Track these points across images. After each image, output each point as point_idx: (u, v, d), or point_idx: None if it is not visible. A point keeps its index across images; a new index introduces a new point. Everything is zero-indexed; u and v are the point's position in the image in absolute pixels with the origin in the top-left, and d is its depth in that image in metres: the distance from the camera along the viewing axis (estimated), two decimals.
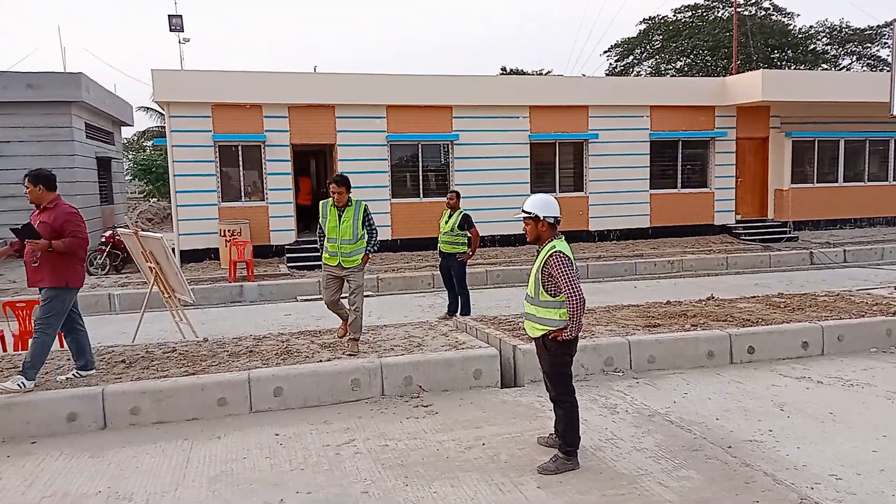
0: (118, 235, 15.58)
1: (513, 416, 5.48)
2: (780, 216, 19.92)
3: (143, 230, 8.90)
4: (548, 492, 4.17)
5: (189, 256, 15.69)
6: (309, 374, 5.93)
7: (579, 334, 4.49)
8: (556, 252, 4.37)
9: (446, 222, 9.57)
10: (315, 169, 22.06)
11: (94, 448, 5.05)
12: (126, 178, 28.88)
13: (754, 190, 20.04)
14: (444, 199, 10.03)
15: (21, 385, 5.45)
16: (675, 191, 19.22)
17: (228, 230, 15.24)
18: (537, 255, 4.55)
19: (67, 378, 5.85)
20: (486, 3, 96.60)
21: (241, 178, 16.32)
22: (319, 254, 6.89)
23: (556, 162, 18.22)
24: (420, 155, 17.36)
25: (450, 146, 17.45)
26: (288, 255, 15.64)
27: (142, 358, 6.53)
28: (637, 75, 37.06)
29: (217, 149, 15.93)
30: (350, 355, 6.37)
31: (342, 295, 6.85)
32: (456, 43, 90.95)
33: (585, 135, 18.18)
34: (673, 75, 35.69)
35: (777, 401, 5.72)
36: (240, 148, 16.14)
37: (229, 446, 5.03)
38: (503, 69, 42.92)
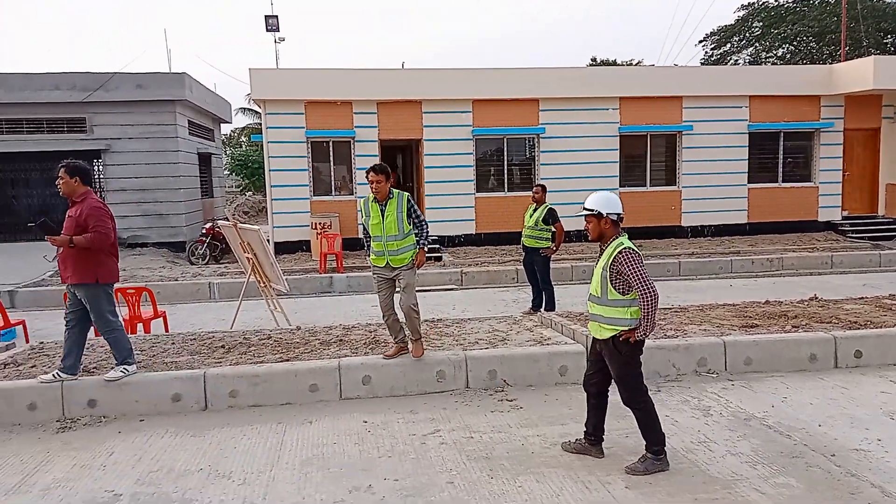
0: (218, 227, 16.40)
1: None
2: (892, 212, 18.53)
3: (240, 223, 9.33)
4: (636, 492, 4.07)
5: (282, 248, 16.31)
6: (396, 364, 6.04)
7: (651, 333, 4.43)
8: (625, 248, 4.25)
9: (531, 216, 9.49)
10: (402, 164, 22.41)
11: (195, 427, 5.35)
12: (224, 172, 30.32)
13: (863, 184, 18.74)
14: (529, 193, 9.95)
15: (125, 371, 5.71)
16: (775, 185, 18.25)
17: (319, 223, 15.75)
18: (601, 254, 4.44)
19: (53, 376, 5.64)
20: None
21: (332, 173, 16.80)
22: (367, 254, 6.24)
23: (648, 155, 17.68)
24: (505, 149, 17.29)
25: (536, 140, 17.28)
26: None
27: (239, 344, 6.86)
28: (734, 64, 35.39)
29: (309, 144, 16.47)
30: (416, 359, 6.04)
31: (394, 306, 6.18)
32: (541, 33, 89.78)
33: (679, 126, 17.54)
34: (774, 63, 33.85)
35: (887, 409, 5.35)
36: (331, 143, 16.62)
37: (320, 431, 5.21)
38: (592, 60, 42.05)
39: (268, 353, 6.47)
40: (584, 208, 4.40)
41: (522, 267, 10.05)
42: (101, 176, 18.42)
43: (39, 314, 10.67)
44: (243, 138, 41.32)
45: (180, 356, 6.43)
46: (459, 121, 16.88)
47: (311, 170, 16.57)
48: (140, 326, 8.41)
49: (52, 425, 5.45)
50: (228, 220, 10.27)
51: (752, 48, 35.92)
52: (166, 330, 8.61)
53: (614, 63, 40.05)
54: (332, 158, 16.72)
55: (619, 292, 4.27)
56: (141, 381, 5.74)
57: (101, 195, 18.38)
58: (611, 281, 4.28)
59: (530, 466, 4.47)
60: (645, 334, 4.23)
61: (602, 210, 4.33)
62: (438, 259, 15.41)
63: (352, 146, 16.63)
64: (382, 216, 5.92)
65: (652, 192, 17.49)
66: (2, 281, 12.69)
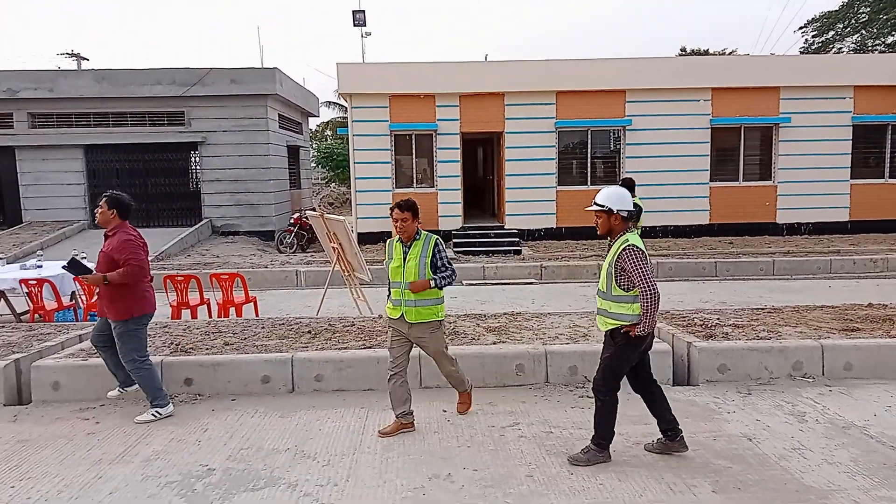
0: (305, 217, 16.93)
1: (685, 415, 5.21)
2: None
3: (327, 213, 9.61)
4: (724, 497, 3.93)
5: (365, 238, 16.67)
6: (474, 355, 6.06)
7: (653, 331, 4.33)
8: (629, 245, 4.23)
9: None
10: (483, 157, 22.40)
11: (283, 409, 5.56)
12: (311, 165, 31.24)
13: None
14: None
15: (156, 414, 5.42)
16: (881, 181, 17.10)
17: None
18: (608, 249, 4.41)
19: (118, 391, 5.73)
20: None
21: (413, 166, 17.01)
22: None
23: (741, 148, 16.93)
24: (589, 141, 16.98)
25: (621, 132, 16.88)
26: (454, 241, 16.07)
27: (325, 330, 7.06)
28: (838, 52, 33.28)
29: (392, 137, 16.73)
30: (461, 412, 5.38)
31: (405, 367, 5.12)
32: (629, 22, 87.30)
33: (776, 118, 16.70)
34: (882, 51, 31.60)
35: None
36: (413, 136, 16.81)
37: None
38: (682, 50, 40.57)
39: (351, 339, 6.63)
40: (595, 203, 4.39)
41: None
42: (198, 167, 19.38)
43: None
44: (329, 131, 42.42)
45: (269, 340, 6.69)
46: (542, 113, 16.71)
47: (393, 162, 16.84)
48: (232, 311, 8.80)
49: None
50: (316, 211, 10.58)
51: (857, 35, 33.68)
52: (256, 314, 8.98)
53: (706, 53, 38.48)
54: (414, 151, 16.92)
55: (622, 289, 4.28)
56: (233, 363, 6.01)
57: (196, 186, 19.37)
58: (615, 277, 4.29)
59: (611, 464, 4.39)
60: (644, 331, 4.23)
61: (613, 206, 4.33)
62: (518, 253, 15.33)
63: (434, 139, 16.77)
64: (404, 259, 5.00)
65: (745, 187, 16.74)
66: None
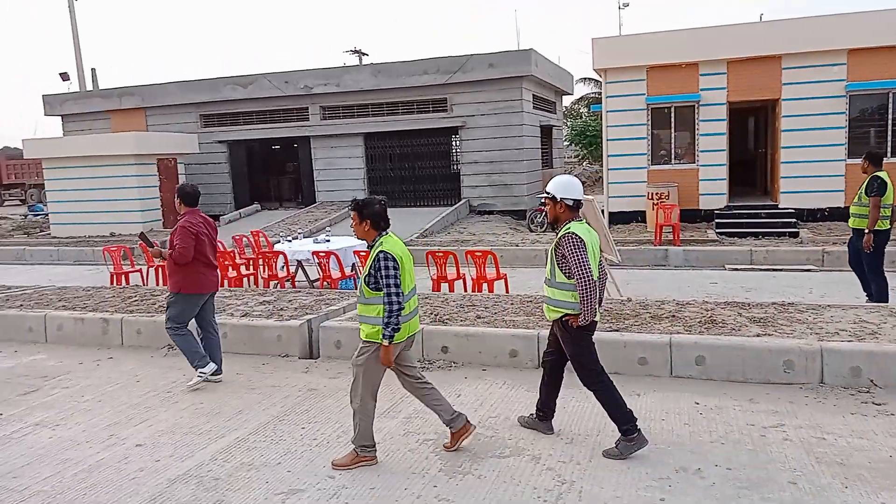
0: None
1: None
2: None
3: None
4: None
5: (616, 218, 16.27)
6: (735, 346, 5.60)
7: (596, 319, 4.34)
8: (569, 233, 4.27)
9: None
10: (754, 128, 20.39)
11: (530, 383, 5.72)
12: (563, 143, 31.28)
13: None
14: None
15: (201, 376, 6.00)
16: None
17: (656, 193, 15.27)
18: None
19: (196, 380, 6.02)
20: None
21: (672, 141, 16.09)
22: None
23: None
24: (890, 106, 14.44)
25: None
26: (717, 221, 14.91)
27: None
28: None
29: (649, 112, 15.99)
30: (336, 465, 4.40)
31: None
32: None
33: None
34: None
35: None
36: (672, 109, 15.89)
37: (648, 405, 5.13)
38: None
39: (599, 321, 6.55)
40: (545, 191, 4.43)
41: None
42: (458, 150, 20.58)
43: None
44: (583, 109, 41.99)
45: (518, 316, 6.92)
46: (828, 75, 14.61)
47: (649, 138, 16.11)
48: (485, 286, 9.26)
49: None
50: None
51: None
52: (507, 291, 9.33)
53: None
54: (672, 125, 15.99)
55: (565, 276, 4.31)
56: (484, 335, 6.34)
57: (456, 168, 20.61)
58: (558, 264, 4.33)
59: (860, 479, 3.77)
60: (586, 319, 4.25)
61: (557, 194, 4.37)
62: (794, 235, 13.71)
63: (696, 111, 15.66)
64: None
65: None
66: None
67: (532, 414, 4.83)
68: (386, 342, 4.14)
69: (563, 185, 4.40)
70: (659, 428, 4.71)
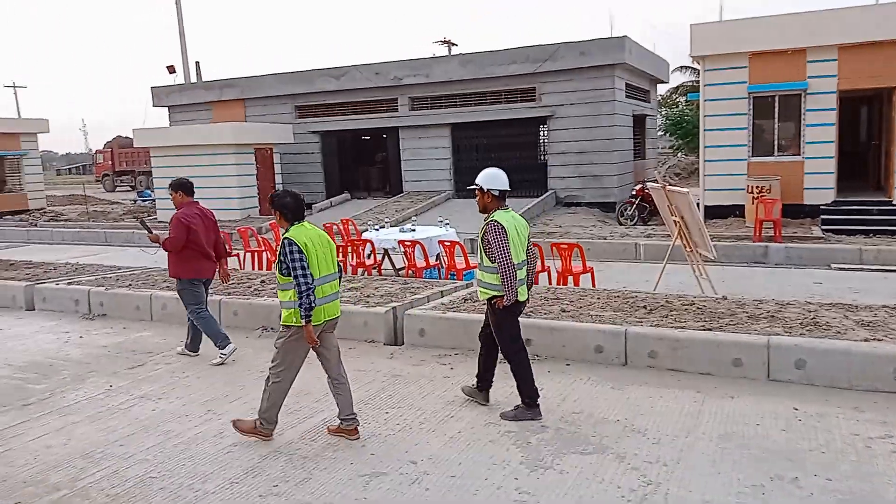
0: (647, 189, 16.55)
1: None
2: None
3: (669, 185, 9.23)
4: None
5: (713, 212, 15.59)
6: (840, 351, 5.26)
7: (519, 299, 4.72)
8: (492, 221, 4.71)
9: None
10: (867, 118, 19.03)
11: (615, 380, 5.60)
12: (657, 133, 30.26)
13: None
14: None
15: (222, 356, 6.49)
16: None
17: (756, 187, 14.52)
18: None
19: (218, 360, 6.50)
20: None
21: (775, 131, 15.23)
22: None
23: None
24: None
25: None
26: (823, 217, 14.01)
27: (661, 306, 6.86)
28: None
29: (751, 100, 15.19)
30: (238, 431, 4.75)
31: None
32: None
33: None
34: None
35: None
36: (776, 98, 15.03)
37: (742, 409, 4.90)
38: None
39: (689, 319, 6.32)
40: (474, 182, 4.83)
41: None
42: (545, 140, 20.30)
43: None
44: (680, 98, 40.44)
45: (604, 311, 6.76)
46: None
47: (750, 128, 15.31)
48: (570, 279, 9.11)
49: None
50: (657, 182, 10.26)
51: None
52: (593, 285, 9.14)
53: None
54: (776, 115, 15.12)
55: (490, 260, 4.70)
56: (568, 329, 6.24)
57: (543, 158, 20.36)
58: (484, 249, 4.74)
59: None
60: (508, 300, 4.65)
61: (484, 185, 4.81)
62: None
63: (802, 100, 14.75)
64: None
65: None
66: (467, 230, 15.17)
67: (474, 384, 5.20)
68: (304, 322, 4.40)
69: (490, 177, 4.85)
70: (753, 433, 4.49)
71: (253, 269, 11.77)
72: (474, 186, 4.89)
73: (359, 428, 4.73)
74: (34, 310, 9.40)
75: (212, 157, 20.83)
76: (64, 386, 6.11)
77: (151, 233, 6.82)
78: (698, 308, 6.74)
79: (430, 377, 5.88)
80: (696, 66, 19.16)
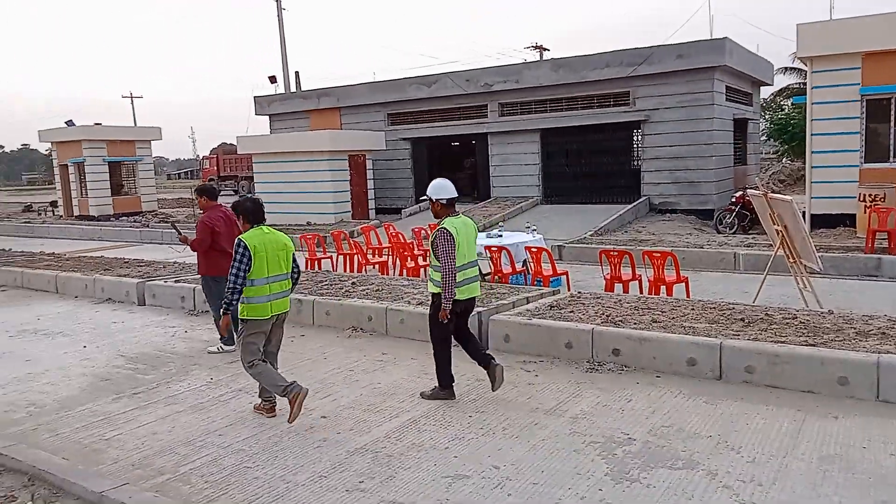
0: (748, 196, 15.79)
1: None
2: None
3: (772, 192, 8.75)
4: None
5: (820, 221, 14.69)
6: None
7: (459, 298, 5.24)
8: (440, 228, 5.22)
9: None
10: None
11: (708, 394, 5.38)
12: (761, 138, 28.83)
13: None
14: None
15: (220, 348, 7.12)
16: None
17: (869, 194, 13.55)
18: None
19: (217, 348, 7.18)
20: None
21: (891, 136, 14.17)
22: None
23: None
24: None
25: None
26: None
27: (760, 319, 6.54)
28: None
29: (864, 103, 14.22)
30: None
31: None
32: None
33: None
34: None
35: None
36: (892, 101, 14.00)
37: (847, 430, 4.60)
38: None
39: (791, 333, 5.99)
40: (426, 193, 5.44)
41: None
42: (639, 145, 19.78)
43: (580, 267, 12.26)
44: (785, 101, 38.37)
45: (698, 322, 6.51)
46: None
47: (863, 132, 14.32)
48: (663, 289, 8.83)
49: (583, 364, 6.25)
50: (758, 189, 9.78)
51: None
52: (688, 295, 8.82)
53: None
54: (892, 118, 14.08)
55: (438, 262, 5.19)
56: (659, 340, 6.05)
57: (636, 164, 19.85)
58: (434, 252, 5.23)
59: None
60: (447, 297, 5.16)
61: (433, 196, 5.41)
62: None
63: None
64: None
65: None
66: (555, 236, 15.02)
67: (486, 374, 5.54)
68: (222, 312, 5.25)
69: (437, 188, 5.42)
70: (859, 456, 4.20)
71: (345, 270, 12.13)
72: (425, 197, 5.51)
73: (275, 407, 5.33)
74: (145, 304, 10.08)
75: (308, 164, 21.62)
76: (170, 377, 6.52)
77: (181, 234, 7.67)
78: (801, 322, 6.37)
79: (514, 383, 5.86)
80: (802, 67, 18.12)
